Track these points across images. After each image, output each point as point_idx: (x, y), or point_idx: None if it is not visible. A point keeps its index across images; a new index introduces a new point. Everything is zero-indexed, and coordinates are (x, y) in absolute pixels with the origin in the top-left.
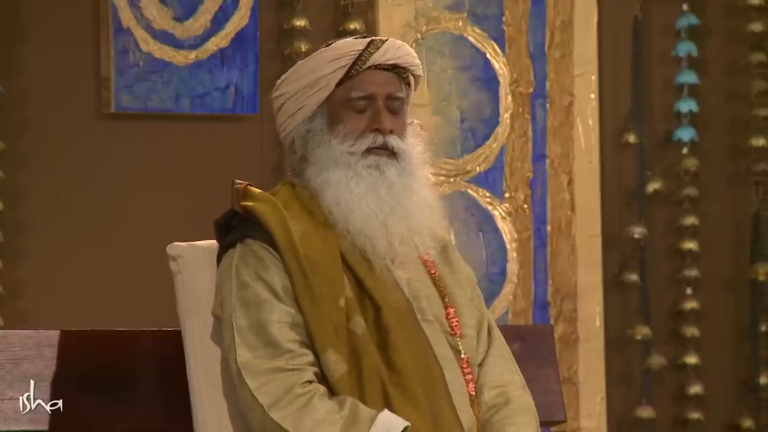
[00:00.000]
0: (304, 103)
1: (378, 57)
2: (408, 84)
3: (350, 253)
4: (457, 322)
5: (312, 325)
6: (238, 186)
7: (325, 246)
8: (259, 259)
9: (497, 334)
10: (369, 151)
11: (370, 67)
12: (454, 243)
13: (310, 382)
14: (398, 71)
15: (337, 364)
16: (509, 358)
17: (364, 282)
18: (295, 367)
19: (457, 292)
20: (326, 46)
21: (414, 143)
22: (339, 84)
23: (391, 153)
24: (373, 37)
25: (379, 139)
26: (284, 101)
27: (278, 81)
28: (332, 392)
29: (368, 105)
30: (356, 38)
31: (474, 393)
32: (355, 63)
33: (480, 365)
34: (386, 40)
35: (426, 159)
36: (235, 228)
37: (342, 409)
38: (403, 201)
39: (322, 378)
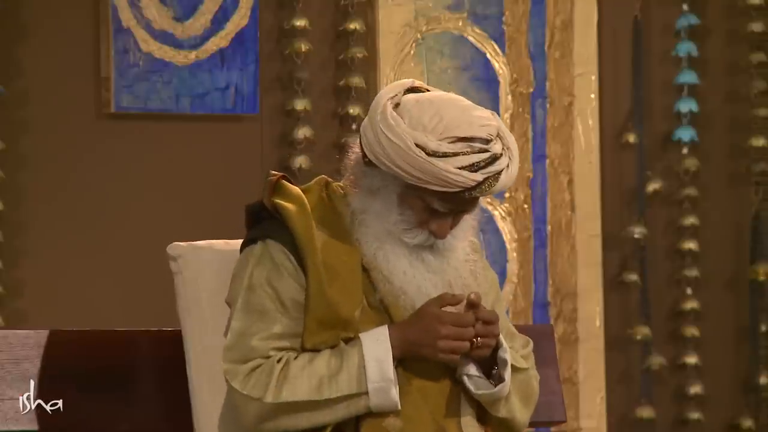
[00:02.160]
0: (396, 172)
1: (482, 192)
2: None
3: (371, 263)
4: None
5: (308, 340)
6: (271, 178)
7: (347, 255)
8: (275, 265)
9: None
10: (419, 245)
11: (467, 194)
12: (479, 246)
13: (280, 352)
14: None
15: None
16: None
17: (382, 294)
18: (270, 355)
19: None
20: (443, 156)
21: (465, 224)
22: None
23: (434, 247)
24: (491, 176)
25: (431, 241)
26: (383, 148)
27: (395, 128)
28: None
29: (442, 212)
30: (474, 169)
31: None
32: (456, 192)
33: None
34: (501, 175)
35: (475, 225)
36: (262, 222)
37: (321, 353)
38: (443, 273)
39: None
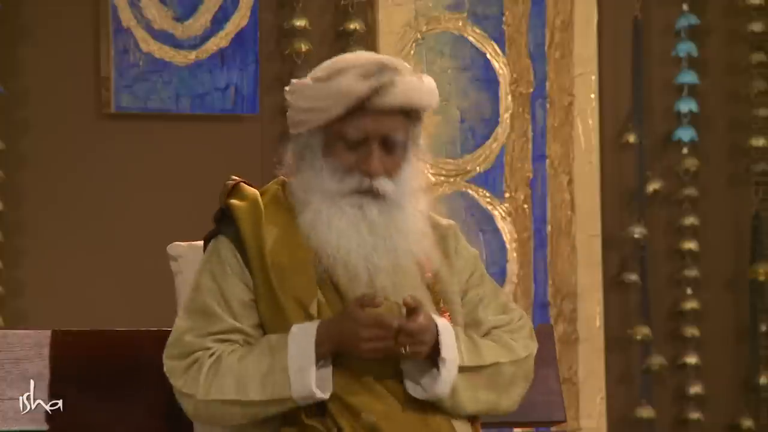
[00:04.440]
0: (307, 121)
1: (383, 102)
2: (416, 118)
3: (314, 243)
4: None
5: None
6: (229, 182)
7: (300, 250)
8: (220, 261)
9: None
10: (354, 191)
11: (372, 110)
12: (456, 230)
13: (210, 348)
14: (405, 110)
15: None
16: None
17: (338, 283)
18: (208, 346)
19: (455, 290)
20: (335, 76)
21: (407, 178)
22: (339, 118)
23: (376, 194)
24: (383, 80)
25: (366, 183)
26: (292, 107)
27: (296, 83)
28: None
29: (362, 143)
30: (365, 77)
31: None
32: (356, 106)
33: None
34: (397, 82)
35: (422, 187)
36: (219, 221)
37: (254, 348)
38: (388, 238)
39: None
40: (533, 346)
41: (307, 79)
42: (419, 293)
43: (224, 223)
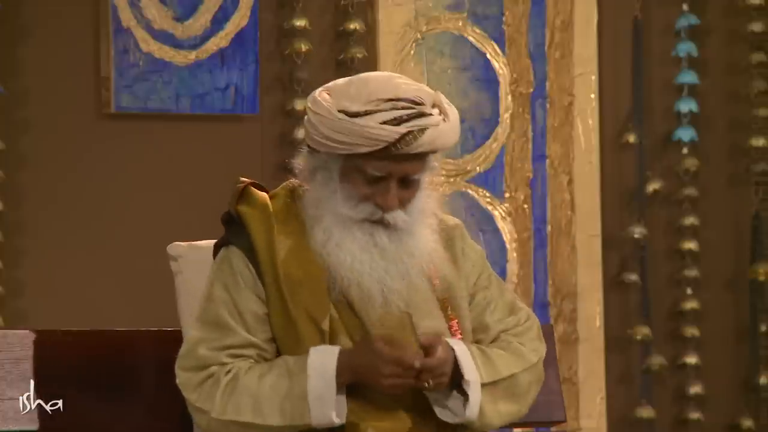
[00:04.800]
0: (328, 146)
1: (410, 148)
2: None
3: (326, 262)
4: (461, 334)
5: (285, 352)
6: (239, 185)
7: (312, 266)
8: (233, 272)
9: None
10: (366, 220)
11: (397, 153)
12: (462, 230)
13: (227, 364)
14: (428, 152)
15: None
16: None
17: (353, 302)
18: (224, 362)
19: (464, 296)
20: (364, 114)
21: (419, 203)
22: (361, 153)
23: (387, 225)
24: (414, 128)
25: (378, 215)
26: (314, 127)
27: (322, 105)
28: None
29: (381, 179)
30: (395, 122)
31: None
32: (383, 149)
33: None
34: (426, 127)
35: (434, 208)
36: (229, 227)
37: (271, 368)
38: (400, 262)
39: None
40: (542, 349)
41: (333, 104)
42: (429, 305)
43: (234, 231)
